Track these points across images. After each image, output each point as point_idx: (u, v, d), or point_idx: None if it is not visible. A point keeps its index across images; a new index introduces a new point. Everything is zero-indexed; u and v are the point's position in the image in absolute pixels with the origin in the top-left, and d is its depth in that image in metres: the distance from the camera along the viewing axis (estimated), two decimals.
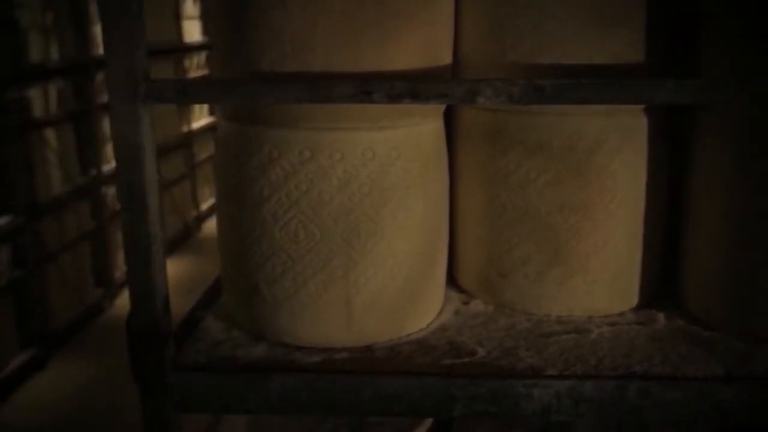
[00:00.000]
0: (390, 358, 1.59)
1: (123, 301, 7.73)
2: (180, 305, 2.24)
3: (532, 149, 1.67)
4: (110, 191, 7.63)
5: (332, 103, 1.40)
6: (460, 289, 1.90)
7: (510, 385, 1.53)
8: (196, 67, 10.09)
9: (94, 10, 7.40)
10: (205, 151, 10.35)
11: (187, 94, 1.39)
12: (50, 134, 6.69)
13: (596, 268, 1.71)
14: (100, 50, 7.19)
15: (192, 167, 9.74)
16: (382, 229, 1.58)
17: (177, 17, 9.37)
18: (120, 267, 7.89)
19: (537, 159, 1.67)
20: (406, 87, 1.37)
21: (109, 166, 7.63)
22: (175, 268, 8.70)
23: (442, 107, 1.70)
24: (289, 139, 1.53)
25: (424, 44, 1.57)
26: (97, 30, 7.37)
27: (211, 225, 10.25)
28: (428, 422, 1.88)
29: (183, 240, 9.39)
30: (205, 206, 10.22)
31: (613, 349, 1.62)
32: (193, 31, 9.96)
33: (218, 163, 1.70)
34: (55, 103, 6.81)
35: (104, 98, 7.56)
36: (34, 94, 6.46)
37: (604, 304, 1.76)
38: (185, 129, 9.56)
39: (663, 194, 1.76)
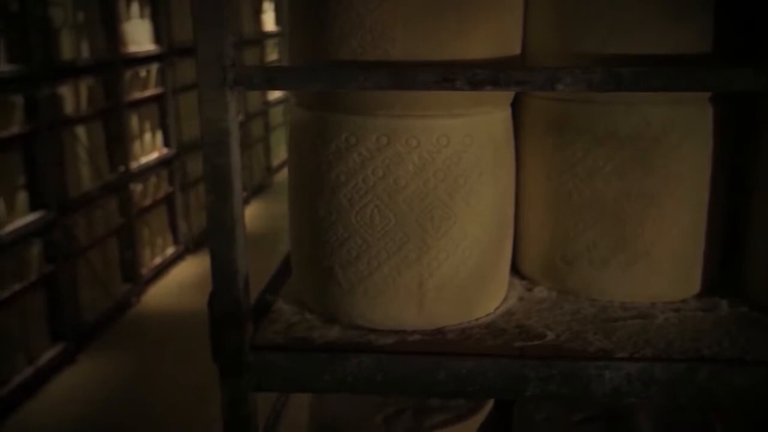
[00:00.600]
0: (462, 340, 1.62)
1: (149, 297, 7.81)
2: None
3: (599, 138, 1.70)
4: (138, 188, 7.71)
5: (416, 90, 1.44)
6: (522, 276, 1.93)
7: (581, 367, 1.56)
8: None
9: (123, 8, 7.48)
10: None
11: (274, 80, 1.43)
12: (81, 131, 6.77)
13: (661, 255, 1.74)
14: (129, 48, 7.30)
15: None
16: (455, 214, 1.61)
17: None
18: (147, 263, 7.97)
19: (604, 147, 1.70)
20: (488, 74, 1.40)
21: (137, 163, 7.72)
22: (199, 264, 8.78)
23: (512, 96, 1.74)
24: (367, 126, 1.57)
25: (497, 35, 1.61)
26: (126, 28, 7.46)
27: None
28: (489, 407, 1.91)
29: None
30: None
31: (680, 334, 1.64)
32: None
33: (293, 149, 1.74)
34: (85, 101, 6.90)
35: (132, 96, 7.65)
36: (66, 91, 6.54)
37: (667, 290, 1.79)
38: None
39: (726, 182, 1.79)
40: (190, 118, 8.97)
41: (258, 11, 11.56)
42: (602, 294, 1.80)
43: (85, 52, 6.83)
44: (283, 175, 12.85)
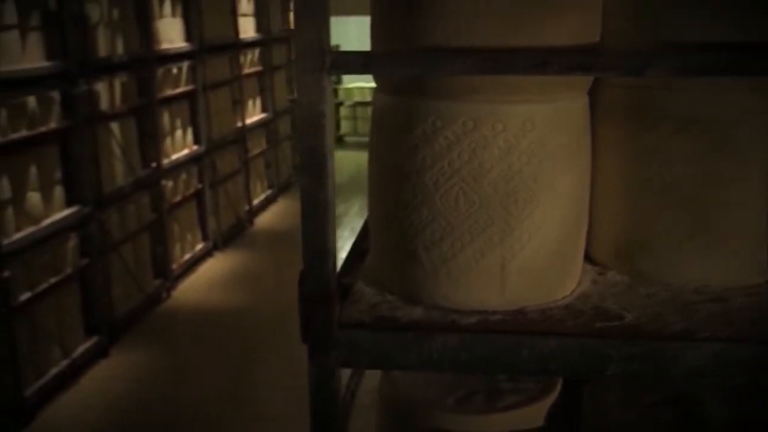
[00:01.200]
0: (543, 321, 1.66)
1: (179, 292, 7.88)
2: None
3: (678, 124, 1.73)
4: (168, 184, 7.78)
5: (513, 74, 1.47)
6: (592, 261, 1.96)
7: (662, 347, 1.58)
8: (249, 63, 10.24)
9: (156, 6, 7.56)
10: (257, 146, 10.51)
11: (371, 64, 1.47)
12: (115, 127, 6.85)
13: (738, 239, 1.77)
14: (162, 45, 7.36)
15: (246, 161, 9.89)
16: (539, 197, 1.65)
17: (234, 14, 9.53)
18: (177, 259, 8.04)
19: (683, 133, 1.73)
20: (581, 59, 1.44)
21: (168, 159, 7.78)
22: (227, 260, 8.84)
23: (590, 83, 1.76)
24: (454, 111, 1.60)
25: (578, 22, 1.64)
26: (159, 25, 7.53)
27: (262, 219, 10.42)
28: (558, 389, 1.94)
29: (236, 234, 9.54)
30: (256, 201, 10.37)
31: (760, 317, 1.67)
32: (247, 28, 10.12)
33: (376, 134, 1.78)
34: (119, 97, 6.98)
35: (164, 93, 7.72)
36: (101, 88, 6.62)
37: (741, 275, 1.81)
38: (239, 125, 9.70)
39: None
40: (220, 115, 9.04)
41: (286, 9, 11.64)
42: (677, 278, 1.82)
43: (120, 49, 6.90)
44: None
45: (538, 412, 1.91)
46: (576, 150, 1.70)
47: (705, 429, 1.85)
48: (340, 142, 15.29)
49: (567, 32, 1.62)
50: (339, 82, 15.76)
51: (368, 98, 15.04)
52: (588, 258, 1.98)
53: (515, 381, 1.92)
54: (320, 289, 1.53)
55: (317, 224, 1.50)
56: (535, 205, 1.65)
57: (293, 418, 5.58)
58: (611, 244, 1.90)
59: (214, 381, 6.12)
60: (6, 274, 5.21)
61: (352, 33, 16.68)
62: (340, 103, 15.41)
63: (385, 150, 1.73)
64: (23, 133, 5.59)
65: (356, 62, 1.48)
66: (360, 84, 15.48)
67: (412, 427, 1.78)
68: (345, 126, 15.57)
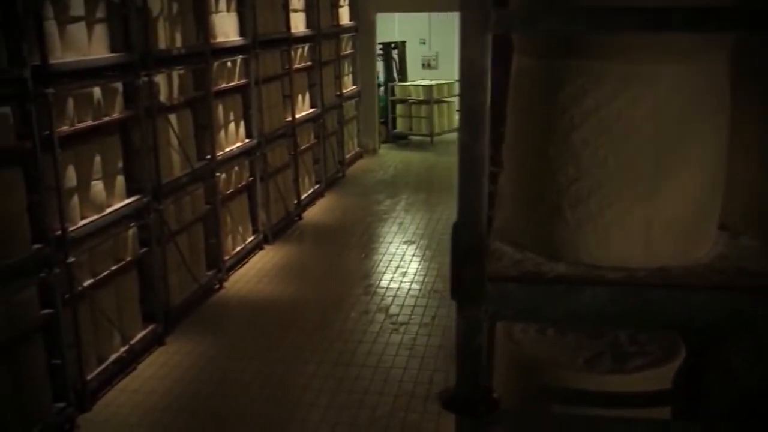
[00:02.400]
0: (688, 277, 1.65)
1: (231, 283, 7.97)
2: None
3: None
4: (222, 176, 7.86)
5: (676, 32, 1.47)
6: (721, 226, 1.93)
7: None
8: (299, 59, 10.32)
9: (212, 0, 7.66)
10: (305, 141, 10.58)
11: (533, 21, 1.47)
12: (173, 119, 6.94)
13: None
14: (218, 39, 7.44)
15: (295, 156, 9.96)
16: (684, 157, 1.66)
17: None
18: (229, 251, 8.13)
19: None
20: (738, 16, 1.42)
21: (222, 152, 7.87)
22: (276, 253, 8.92)
23: (730, 46, 1.75)
24: (604, 72, 1.62)
25: None
26: (215, 19, 7.62)
27: (310, 214, 10.51)
28: (682, 355, 1.92)
29: (285, 227, 9.62)
30: (305, 195, 10.44)
31: None
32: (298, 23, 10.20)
33: (517, 96, 1.78)
34: (177, 89, 7.08)
35: (220, 85, 7.82)
36: (161, 79, 6.72)
37: None
38: (290, 119, 9.78)
39: None
40: (271, 109, 9.12)
41: (335, 5, 11.71)
42: None
43: (178, 42, 7.01)
44: (354, 168, 13.04)
45: (666, 374, 1.90)
46: (721, 112, 1.71)
47: None
48: (394, 140, 15.25)
49: None
50: (404, 79, 15.64)
51: (422, 96, 15.00)
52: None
53: (639, 344, 1.92)
54: (473, 242, 1.53)
55: (473, 179, 1.50)
56: (681, 165, 1.65)
57: (341, 406, 5.65)
58: (743, 209, 1.89)
59: (265, 368, 6.19)
60: (71, 259, 5.32)
61: (396, 27, 16.75)
62: (397, 101, 15.34)
63: (528, 110, 1.75)
64: (88, 122, 5.70)
65: (518, 19, 1.49)
66: (419, 82, 15.38)
67: (538, 386, 1.79)
68: (400, 123, 15.44)
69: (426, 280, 8.02)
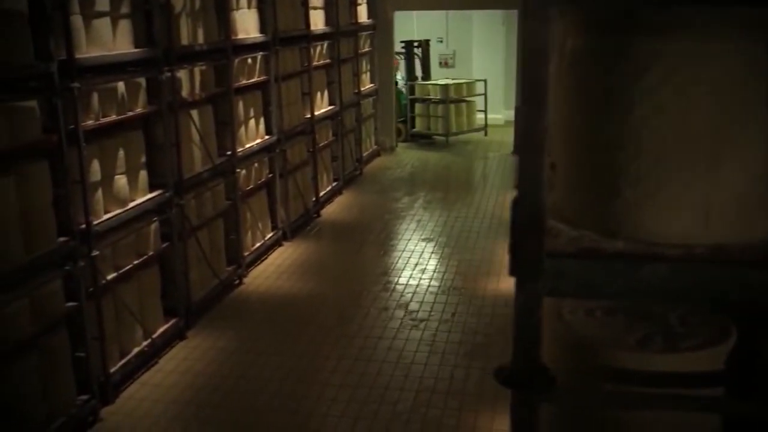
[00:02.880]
0: (745, 254, 1.64)
1: (251, 279, 8.00)
2: None
3: None
4: (242, 173, 7.89)
5: (739, 7, 1.47)
6: None
7: None
8: (318, 56, 10.34)
9: None
10: (323, 138, 10.60)
11: None
12: (194, 115, 6.97)
13: None
14: (239, 35, 7.46)
15: (314, 153, 9.98)
16: (743, 134, 1.65)
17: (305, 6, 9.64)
18: (248, 247, 8.16)
19: None
20: None
21: (242, 148, 7.90)
22: (295, 250, 8.94)
23: None
24: (665, 49, 1.62)
25: None
26: (237, 16, 7.65)
27: (328, 211, 10.53)
28: (735, 334, 1.91)
29: (304, 224, 9.65)
30: (323, 193, 10.47)
31: None
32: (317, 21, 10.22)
33: (571, 73, 1.77)
34: (198, 85, 7.11)
35: (241, 81, 7.84)
36: (183, 75, 6.75)
37: None
38: (308, 116, 9.80)
39: None
40: (291, 106, 9.15)
41: (353, 3, 11.73)
42: None
43: (200, 38, 7.04)
44: (371, 167, 13.05)
45: (718, 355, 1.89)
46: None
47: None
48: (413, 139, 15.15)
49: None
50: (427, 78, 15.47)
51: (439, 96, 14.81)
52: None
53: (689, 325, 1.91)
54: (532, 217, 1.53)
55: (533, 151, 1.50)
56: (742, 144, 1.65)
57: (362, 401, 5.65)
58: None
59: (285, 363, 6.21)
60: (95, 252, 5.36)
61: (414, 25, 16.72)
62: (416, 100, 15.19)
63: (584, 88, 1.75)
64: (112, 117, 5.74)
65: None
66: (436, 81, 15.21)
67: (589, 365, 1.78)
68: (419, 123, 15.26)
69: (445, 277, 8.02)
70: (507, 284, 7.55)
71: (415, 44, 15.46)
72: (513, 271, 1.52)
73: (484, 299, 7.42)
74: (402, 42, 15.19)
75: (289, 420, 5.41)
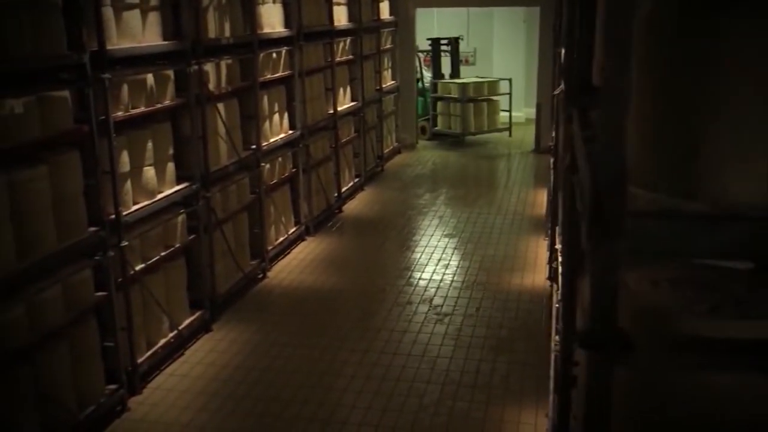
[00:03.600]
0: None
1: (274, 273, 8.02)
2: None
3: None
4: (266, 167, 7.90)
5: None
6: None
7: None
8: (341, 52, 10.36)
9: None
10: (346, 134, 10.62)
11: None
12: (221, 108, 7.00)
13: None
14: (265, 30, 7.47)
15: (336, 149, 10.00)
16: None
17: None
18: (272, 241, 8.18)
19: None
20: None
21: (266, 142, 7.91)
22: (318, 245, 8.95)
23: None
24: (749, 11, 1.61)
25: None
26: (263, 10, 7.67)
27: (350, 207, 10.54)
28: None
29: (326, 219, 9.67)
30: (345, 188, 10.48)
31: None
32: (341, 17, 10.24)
33: (653, 36, 1.75)
34: (225, 79, 7.14)
35: (266, 75, 7.86)
36: (210, 68, 6.78)
37: None
38: (331, 111, 9.82)
39: None
40: (314, 101, 9.16)
41: (376, 0, 11.74)
42: None
43: (227, 32, 7.06)
44: (392, 163, 13.06)
45: None
46: None
47: None
48: (435, 137, 15.04)
49: None
50: (456, 76, 15.22)
51: (455, 94, 14.59)
52: None
53: (759, 294, 1.88)
54: (614, 175, 1.50)
55: (616, 108, 1.47)
56: None
57: (388, 394, 5.64)
58: None
59: (311, 356, 6.22)
60: (124, 243, 5.39)
61: (435, 22, 16.70)
62: (438, 98, 15.02)
63: (664, 51, 1.73)
64: (141, 108, 5.77)
65: None
66: (461, 80, 14.97)
67: (660, 333, 1.76)
68: (440, 121, 15.08)
69: (469, 272, 8.01)
70: (531, 279, 7.59)
71: (444, 42, 15.26)
72: (591, 232, 1.50)
73: (509, 294, 7.40)
74: (429, 39, 15.05)
75: (316, 411, 5.41)
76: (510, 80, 14.95)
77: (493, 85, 14.96)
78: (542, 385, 5.62)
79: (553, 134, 8.03)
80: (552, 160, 8.13)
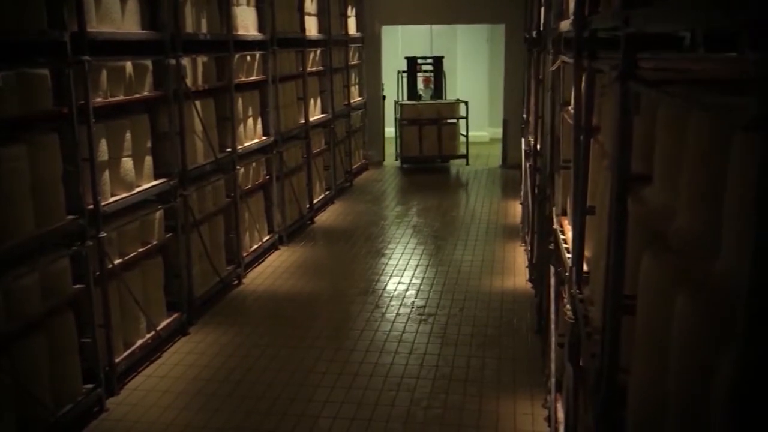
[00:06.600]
0: None
1: (249, 279, 7.79)
2: None
3: None
4: (241, 171, 7.72)
5: None
6: None
7: None
8: (311, 62, 10.28)
9: None
10: (317, 146, 10.49)
11: None
12: (198, 106, 6.82)
13: None
14: (239, 31, 7.33)
15: (308, 158, 9.85)
16: None
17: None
18: (247, 248, 7.97)
19: None
20: None
21: (241, 146, 7.74)
22: (292, 254, 8.77)
23: None
24: None
25: None
26: (238, 11, 7.56)
27: (321, 218, 10.38)
28: None
29: (299, 229, 9.49)
30: (317, 200, 10.32)
31: None
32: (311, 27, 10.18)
33: None
34: (201, 76, 6.98)
35: (240, 78, 7.72)
36: (187, 63, 6.60)
37: None
38: (303, 121, 9.70)
39: None
40: (287, 109, 9.03)
41: (343, 14, 11.71)
42: None
43: (204, 27, 6.93)
44: (360, 179, 12.96)
45: None
46: None
47: None
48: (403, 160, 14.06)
49: None
50: (439, 97, 14.23)
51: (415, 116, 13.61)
52: None
53: None
54: None
55: None
56: None
57: (378, 389, 5.44)
58: None
59: (296, 356, 6.01)
60: (103, 234, 5.15)
61: (400, 41, 16.68)
62: (402, 120, 13.76)
63: None
64: (120, 97, 5.58)
65: None
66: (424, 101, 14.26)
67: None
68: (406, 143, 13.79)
69: (449, 276, 7.92)
70: (512, 282, 7.51)
71: (427, 61, 14.43)
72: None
73: (491, 295, 7.30)
74: (406, 58, 14.42)
75: (304, 408, 5.20)
76: (467, 103, 13.75)
77: (452, 107, 13.84)
78: (535, 379, 5.50)
79: (530, 139, 8.02)
80: (528, 165, 8.11)
